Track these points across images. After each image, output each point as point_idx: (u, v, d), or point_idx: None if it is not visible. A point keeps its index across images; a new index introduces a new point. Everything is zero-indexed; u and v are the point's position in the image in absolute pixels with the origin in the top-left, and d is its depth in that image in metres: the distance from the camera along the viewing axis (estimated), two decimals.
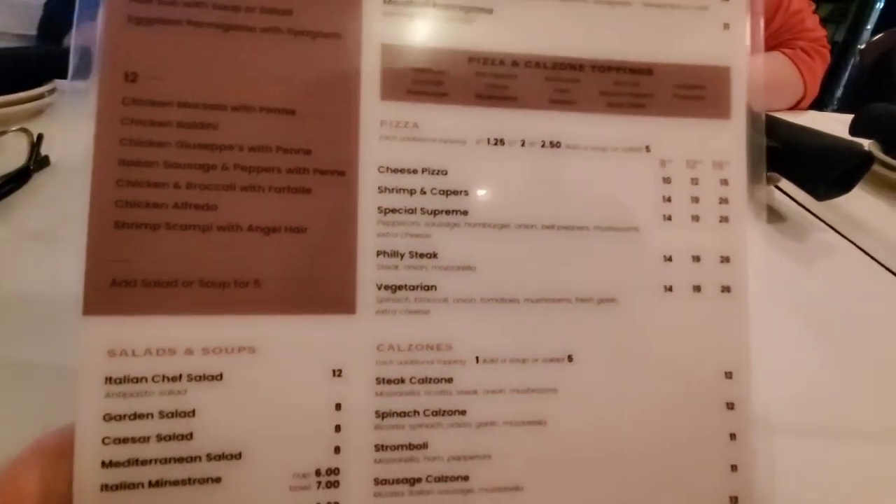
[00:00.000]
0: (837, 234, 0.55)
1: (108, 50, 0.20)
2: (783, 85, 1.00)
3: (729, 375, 0.25)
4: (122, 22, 0.20)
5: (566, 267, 0.23)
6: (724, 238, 0.26)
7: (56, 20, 1.10)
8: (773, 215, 0.57)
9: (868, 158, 0.52)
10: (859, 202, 0.60)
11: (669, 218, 0.25)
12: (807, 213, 0.57)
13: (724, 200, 0.26)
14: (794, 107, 1.07)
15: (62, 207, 0.47)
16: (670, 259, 0.25)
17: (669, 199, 0.25)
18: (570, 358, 0.24)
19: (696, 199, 0.26)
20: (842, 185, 0.50)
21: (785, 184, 0.56)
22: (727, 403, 0.25)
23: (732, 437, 0.25)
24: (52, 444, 0.21)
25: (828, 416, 0.35)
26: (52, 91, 0.69)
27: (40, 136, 0.53)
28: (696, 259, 0.25)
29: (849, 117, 0.78)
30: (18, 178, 0.51)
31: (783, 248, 0.52)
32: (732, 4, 0.25)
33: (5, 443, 0.28)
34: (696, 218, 0.26)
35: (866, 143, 0.59)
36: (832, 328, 0.43)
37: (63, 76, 0.69)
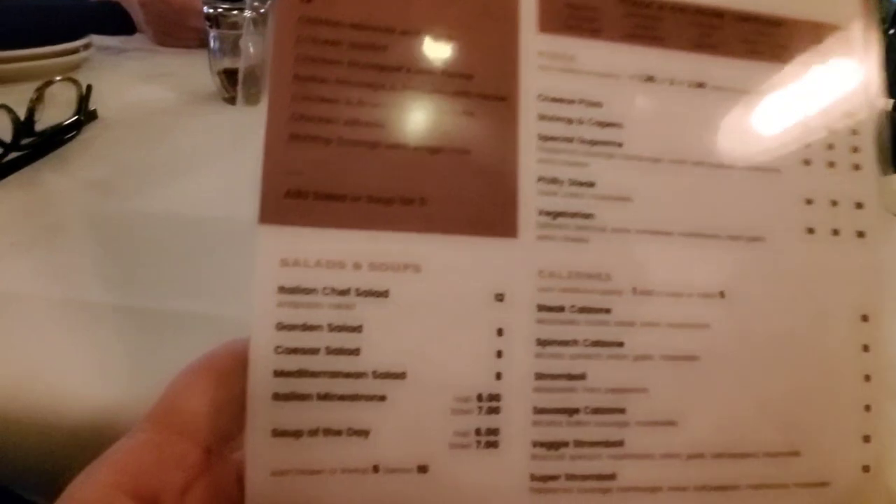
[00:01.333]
0: None
1: None
2: None
3: (865, 319, 0.19)
4: None
5: (717, 204, 0.16)
6: (856, 185, 0.19)
7: None
8: None
9: None
10: None
11: (808, 162, 0.19)
12: None
13: (855, 149, 0.19)
14: None
15: (116, 160, 0.37)
16: (811, 202, 0.19)
17: (808, 145, 0.19)
18: (721, 294, 0.18)
19: (830, 146, 0.19)
20: None
21: None
22: (863, 346, 0.18)
23: (867, 378, 0.18)
24: (224, 354, 0.16)
25: None
26: (87, 46, 0.53)
27: (89, 87, 0.40)
28: (834, 203, 0.19)
29: None
30: (71, 129, 0.39)
31: None
32: None
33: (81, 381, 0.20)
34: (831, 164, 0.19)
35: None
36: None
37: (95, 31, 0.54)
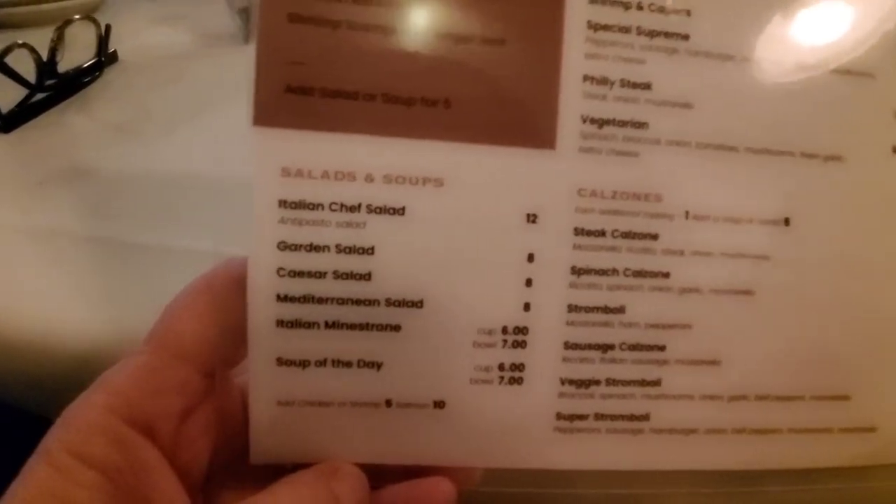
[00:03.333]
0: None
1: None
2: None
3: None
4: None
5: (794, 113, 0.14)
6: None
7: None
8: None
9: None
10: None
11: None
12: None
13: None
14: None
15: (140, 104, 0.37)
16: None
17: None
18: (786, 221, 0.16)
19: None
20: None
21: None
22: None
23: None
24: (224, 274, 0.14)
25: None
26: None
27: (108, 27, 0.39)
28: None
29: None
30: (92, 71, 0.38)
31: None
32: None
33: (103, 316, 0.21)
34: None
35: None
36: None
37: None
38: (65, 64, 0.36)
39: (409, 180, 0.14)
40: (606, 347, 0.15)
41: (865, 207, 0.16)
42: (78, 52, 0.37)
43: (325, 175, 0.13)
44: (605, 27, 0.14)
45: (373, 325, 0.14)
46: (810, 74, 0.15)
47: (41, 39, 0.34)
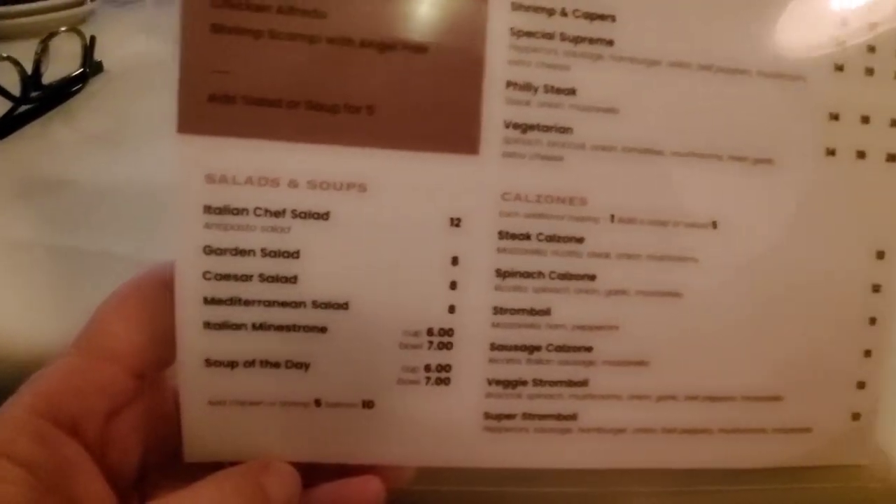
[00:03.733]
0: None
1: None
2: None
3: (881, 255, 0.17)
4: None
5: (722, 118, 0.14)
6: None
7: None
8: None
9: None
10: None
11: (841, 68, 0.16)
12: None
13: None
14: None
15: (122, 113, 0.38)
16: (837, 118, 0.16)
17: (843, 47, 0.16)
18: (714, 224, 0.16)
19: (872, 49, 0.16)
20: None
21: None
22: (873, 285, 0.17)
23: (872, 321, 0.17)
24: (152, 278, 0.15)
25: None
26: None
27: (93, 39, 0.40)
28: (865, 120, 0.17)
29: None
30: (77, 82, 0.39)
31: None
32: None
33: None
34: (870, 71, 0.16)
35: None
36: None
37: None
38: (51, 75, 0.36)
39: (333, 186, 0.14)
40: (533, 349, 0.15)
41: (797, 210, 0.16)
42: (64, 62, 0.38)
43: (249, 181, 0.14)
44: (529, 34, 0.14)
45: (299, 327, 0.14)
46: (739, 78, 0.15)
47: (26, 52, 0.35)
